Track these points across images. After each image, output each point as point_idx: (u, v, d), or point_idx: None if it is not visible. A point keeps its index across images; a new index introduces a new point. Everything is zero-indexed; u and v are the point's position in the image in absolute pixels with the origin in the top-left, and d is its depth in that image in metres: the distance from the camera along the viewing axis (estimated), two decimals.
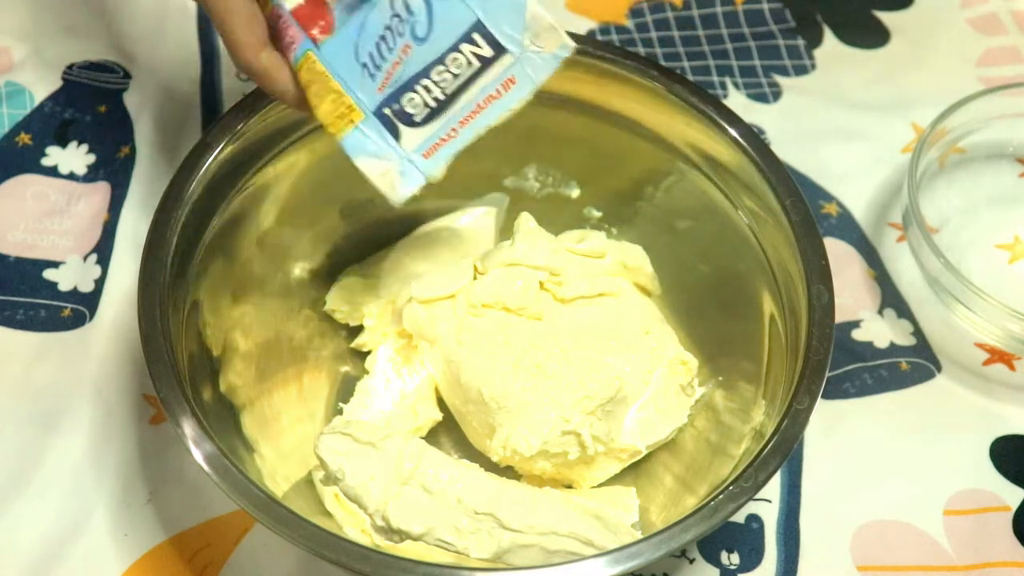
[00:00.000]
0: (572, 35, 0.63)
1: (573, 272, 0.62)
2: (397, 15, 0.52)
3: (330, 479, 0.55)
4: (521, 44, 0.52)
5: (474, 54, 0.52)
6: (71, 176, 0.75)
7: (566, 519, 0.54)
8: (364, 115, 0.52)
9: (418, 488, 0.54)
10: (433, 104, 0.52)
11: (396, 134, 0.53)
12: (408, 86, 0.52)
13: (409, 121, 0.53)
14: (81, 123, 0.77)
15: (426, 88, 0.52)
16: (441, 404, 0.64)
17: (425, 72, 0.52)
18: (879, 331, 0.71)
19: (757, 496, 0.51)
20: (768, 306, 0.60)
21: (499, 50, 0.52)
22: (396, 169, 0.52)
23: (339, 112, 0.53)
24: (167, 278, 0.56)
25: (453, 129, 0.53)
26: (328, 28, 0.52)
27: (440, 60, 0.52)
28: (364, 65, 0.52)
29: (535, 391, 0.58)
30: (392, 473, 0.54)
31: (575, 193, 0.69)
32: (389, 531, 0.54)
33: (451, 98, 0.52)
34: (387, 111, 0.52)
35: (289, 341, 0.66)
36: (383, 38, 0.52)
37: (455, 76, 0.52)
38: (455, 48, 0.52)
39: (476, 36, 0.52)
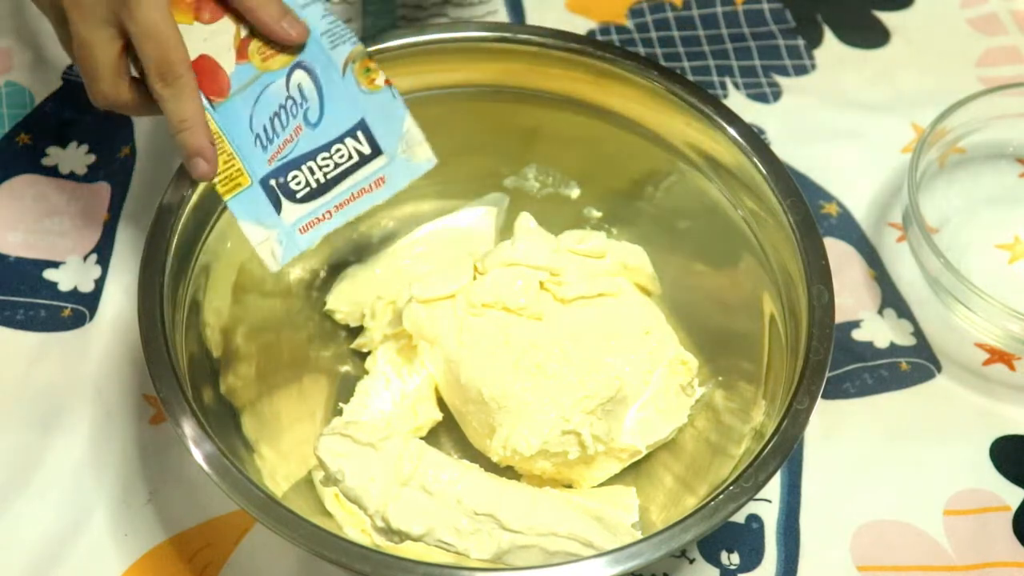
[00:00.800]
0: (572, 35, 0.63)
1: (573, 272, 0.62)
2: (291, 98, 0.57)
3: (330, 480, 0.55)
4: (395, 150, 0.57)
5: (356, 149, 0.57)
6: (71, 176, 0.75)
7: (566, 520, 0.54)
8: (251, 182, 0.56)
9: (418, 489, 0.54)
10: (314, 185, 0.57)
11: (278, 207, 0.56)
12: (295, 164, 0.56)
13: (291, 196, 0.56)
14: (81, 123, 0.77)
15: (310, 170, 0.57)
16: (441, 404, 0.64)
17: (312, 155, 0.57)
18: (879, 331, 0.71)
19: (757, 496, 0.51)
20: (768, 306, 0.60)
21: (376, 151, 0.57)
22: (276, 238, 0.56)
23: (229, 174, 0.56)
24: (167, 278, 0.56)
25: (328, 212, 0.57)
26: (223, 92, 0.56)
27: (326, 147, 0.57)
28: (257, 136, 0.56)
29: (535, 391, 0.58)
30: (392, 474, 0.54)
31: (575, 193, 0.69)
32: (389, 532, 0.54)
33: (330, 183, 0.57)
34: (272, 182, 0.56)
35: (289, 342, 0.66)
36: (277, 115, 0.57)
37: (336, 165, 0.57)
38: (340, 140, 0.57)
39: (359, 134, 0.57)
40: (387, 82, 0.57)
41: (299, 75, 0.57)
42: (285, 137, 0.56)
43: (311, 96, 0.57)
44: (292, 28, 0.56)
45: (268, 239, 0.56)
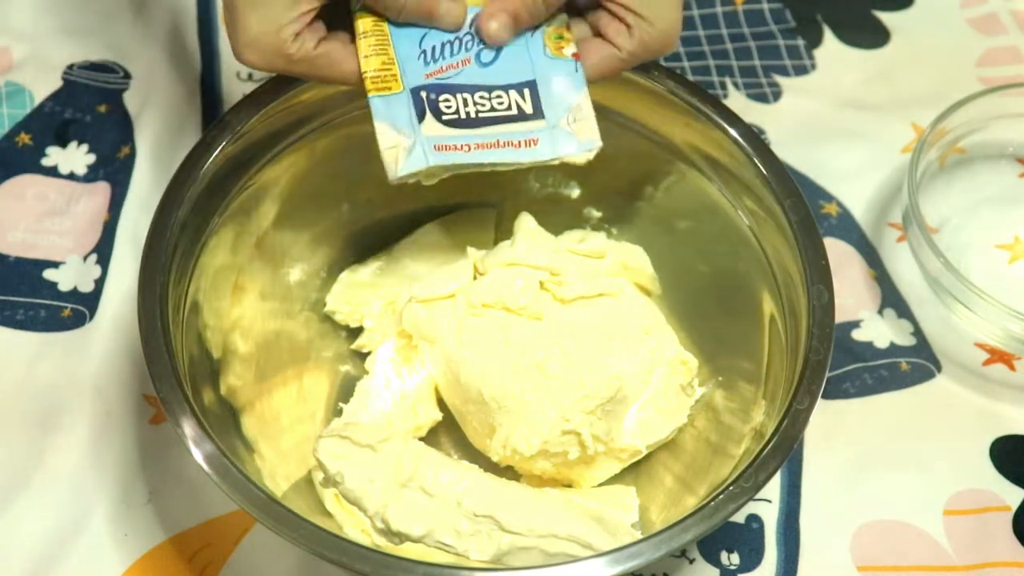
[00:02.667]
0: None
1: (573, 272, 0.62)
2: (471, 34, 0.55)
3: (329, 482, 0.55)
4: (558, 119, 0.54)
5: (517, 103, 0.54)
6: (71, 176, 0.75)
7: (566, 521, 0.54)
8: (402, 89, 0.54)
9: (417, 490, 0.54)
10: (463, 116, 0.54)
11: (421, 117, 0.54)
12: (452, 89, 0.54)
13: (437, 115, 0.54)
14: (81, 123, 0.77)
15: (465, 101, 0.54)
16: (441, 404, 0.64)
17: (471, 89, 0.54)
18: (879, 331, 0.71)
19: (757, 496, 0.51)
20: (768, 306, 0.60)
21: (537, 113, 0.55)
22: (406, 146, 0.53)
23: (382, 75, 0.54)
24: (167, 278, 0.56)
25: (467, 145, 0.54)
26: None
27: (488, 89, 0.54)
28: (423, 52, 0.54)
29: (535, 391, 0.58)
30: (391, 476, 0.54)
31: (575, 193, 0.69)
32: (389, 533, 0.54)
33: (480, 121, 0.54)
34: (423, 94, 0.54)
35: (289, 342, 0.66)
36: (450, 43, 0.55)
37: (493, 108, 0.54)
38: (505, 89, 0.55)
39: (526, 91, 0.55)
40: (575, 55, 0.55)
41: None
42: (450, 63, 0.54)
43: None
44: None
45: (398, 145, 0.54)
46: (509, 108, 0.54)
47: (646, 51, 0.55)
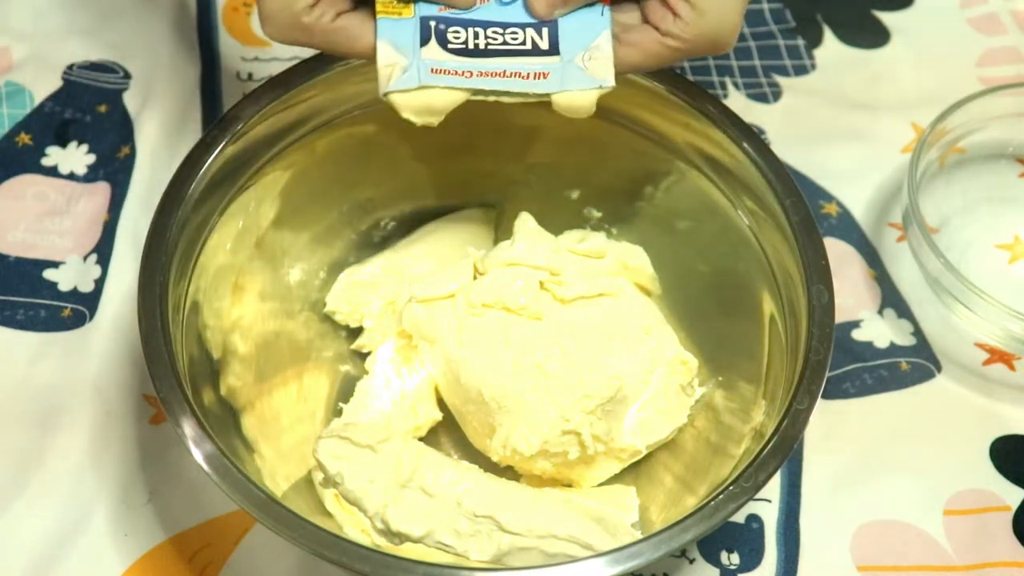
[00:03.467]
0: None
1: (573, 272, 0.62)
2: None
3: (329, 483, 0.55)
4: (573, 56, 0.53)
5: (533, 40, 0.53)
6: (71, 176, 0.75)
7: (565, 522, 0.54)
8: (412, 15, 0.53)
9: (417, 491, 0.54)
10: (471, 47, 0.53)
11: (424, 42, 0.53)
12: (464, 23, 0.53)
13: (443, 43, 0.53)
14: (81, 123, 0.77)
15: (475, 34, 0.53)
16: (441, 404, 0.64)
17: (485, 24, 0.53)
18: (879, 331, 0.71)
19: (757, 496, 0.51)
20: (768, 306, 0.60)
21: (553, 51, 0.53)
22: (401, 66, 0.53)
23: (395, 2, 0.53)
24: (167, 278, 0.56)
25: (469, 72, 0.53)
26: None
27: (503, 25, 0.53)
28: None
29: (535, 391, 0.58)
30: (391, 476, 0.54)
31: (575, 193, 0.69)
32: (389, 534, 0.54)
33: (488, 52, 0.53)
34: (432, 24, 0.53)
35: (289, 342, 0.66)
36: None
37: (504, 42, 0.53)
38: (522, 27, 0.53)
39: (544, 31, 0.53)
40: (606, 1, 0.53)
41: None
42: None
43: None
44: None
45: (394, 64, 0.53)
46: (523, 43, 0.53)
47: (695, 44, 0.52)
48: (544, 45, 0.53)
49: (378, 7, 0.53)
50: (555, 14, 0.53)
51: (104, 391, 0.67)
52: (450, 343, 0.60)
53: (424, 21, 0.53)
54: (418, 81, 0.52)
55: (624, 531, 0.57)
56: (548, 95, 0.53)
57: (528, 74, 0.53)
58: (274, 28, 0.53)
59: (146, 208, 0.72)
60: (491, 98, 0.53)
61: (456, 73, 0.53)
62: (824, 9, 0.86)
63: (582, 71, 0.53)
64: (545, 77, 0.53)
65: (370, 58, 0.53)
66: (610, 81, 0.53)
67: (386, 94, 0.53)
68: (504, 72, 0.53)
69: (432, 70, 0.53)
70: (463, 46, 0.53)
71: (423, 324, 0.61)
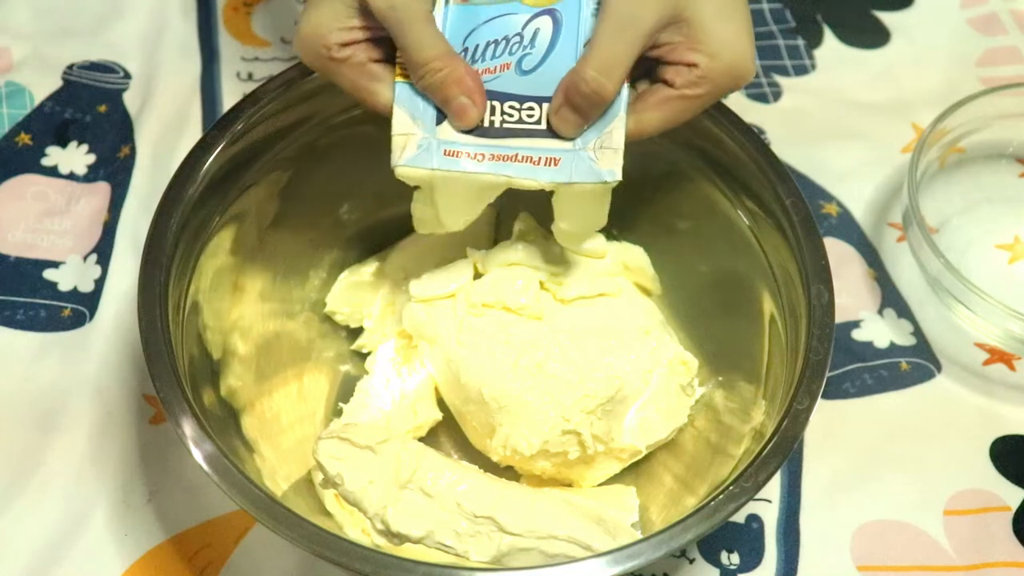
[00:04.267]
0: None
1: (573, 272, 0.62)
2: (520, 36, 0.53)
3: (329, 483, 0.55)
4: (586, 142, 0.53)
5: (548, 119, 0.53)
6: (71, 176, 0.75)
7: (565, 523, 0.54)
8: None
9: (417, 492, 0.54)
10: (487, 125, 0.53)
11: (441, 119, 0.53)
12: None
13: None
14: (81, 123, 0.77)
15: (492, 109, 0.53)
16: (441, 404, 0.64)
17: (503, 98, 0.53)
18: (879, 331, 0.71)
19: (757, 496, 0.51)
20: (768, 306, 0.60)
21: None
22: (417, 141, 0.53)
23: None
24: (167, 278, 0.56)
25: (481, 155, 0.53)
26: None
27: (521, 99, 0.53)
28: (465, 49, 0.53)
29: (535, 391, 0.58)
30: (391, 477, 0.54)
31: None
32: (389, 534, 0.54)
33: (503, 132, 0.53)
34: None
35: (289, 342, 0.66)
36: (496, 43, 0.53)
37: (520, 120, 0.53)
38: (539, 101, 0.53)
39: None
40: (627, 80, 0.52)
41: (542, 21, 0.53)
42: (488, 67, 0.53)
43: (539, 47, 0.53)
44: None
45: (410, 135, 0.52)
46: (538, 122, 0.53)
47: (718, 84, 0.52)
48: None
49: (398, 70, 0.53)
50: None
51: (104, 391, 0.67)
52: (450, 343, 0.60)
53: None
54: (431, 164, 0.52)
55: (624, 531, 0.57)
56: (556, 184, 0.53)
57: (539, 159, 0.53)
58: (303, 51, 0.53)
59: (146, 208, 0.72)
60: (502, 180, 0.53)
61: (468, 156, 0.52)
62: (824, 9, 0.87)
63: (592, 162, 0.52)
64: (556, 164, 0.52)
65: (384, 114, 0.53)
66: (618, 175, 0.52)
67: (396, 166, 0.53)
68: (516, 156, 0.52)
69: (446, 152, 0.52)
70: (479, 125, 0.53)
71: (423, 324, 0.61)
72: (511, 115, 0.53)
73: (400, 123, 0.53)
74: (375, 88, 0.53)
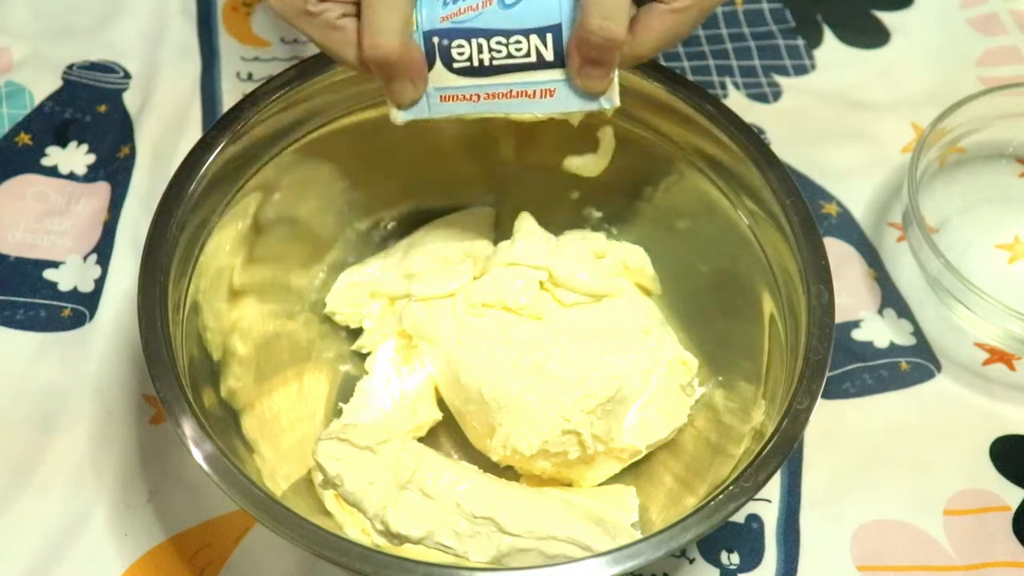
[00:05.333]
0: None
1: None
2: None
3: (328, 484, 0.55)
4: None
5: (537, 50, 0.52)
6: (71, 176, 0.75)
7: (565, 524, 0.54)
8: (415, 29, 0.52)
9: (417, 492, 0.54)
10: (476, 64, 0.53)
11: (431, 65, 0.53)
12: (467, 34, 0.52)
13: (448, 63, 0.53)
14: (81, 123, 0.77)
15: (479, 47, 0.52)
16: (441, 404, 0.64)
17: (488, 34, 0.52)
18: (879, 331, 0.71)
19: (757, 496, 0.51)
20: (768, 306, 0.60)
21: (558, 62, 0.52)
22: None
23: None
24: (167, 278, 0.56)
25: (476, 95, 0.53)
26: None
27: (507, 33, 0.52)
28: None
29: (535, 390, 0.58)
30: (391, 478, 0.54)
31: (575, 193, 0.69)
32: (389, 535, 0.54)
33: (493, 70, 0.53)
34: (435, 40, 0.52)
35: (289, 342, 0.66)
36: None
37: (509, 55, 0.52)
38: (526, 33, 0.52)
39: (549, 37, 0.52)
40: None
41: None
42: (470, 4, 0.52)
43: None
44: None
45: None
46: (528, 55, 0.52)
47: None
48: (549, 56, 0.52)
49: None
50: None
51: (104, 391, 0.67)
52: (450, 343, 0.60)
53: (427, 38, 0.52)
54: (428, 112, 0.53)
55: (624, 531, 0.57)
56: (554, 114, 0.53)
57: (534, 92, 0.53)
58: (279, 4, 0.53)
59: (146, 208, 0.72)
60: (500, 115, 0.53)
61: (464, 98, 0.53)
62: (824, 9, 0.86)
63: (587, 89, 0.53)
64: (551, 95, 0.53)
65: (355, 68, 0.53)
66: (616, 100, 0.53)
67: (396, 122, 0.53)
68: (511, 92, 0.53)
69: (441, 97, 0.53)
70: (468, 64, 0.53)
71: (423, 324, 0.61)
72: (499, 51, 0.52)
73: None
74: (345, 45, 0.52)
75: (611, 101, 0.53)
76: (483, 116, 0.54)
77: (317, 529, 0.49)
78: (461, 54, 0.52)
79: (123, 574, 0.61)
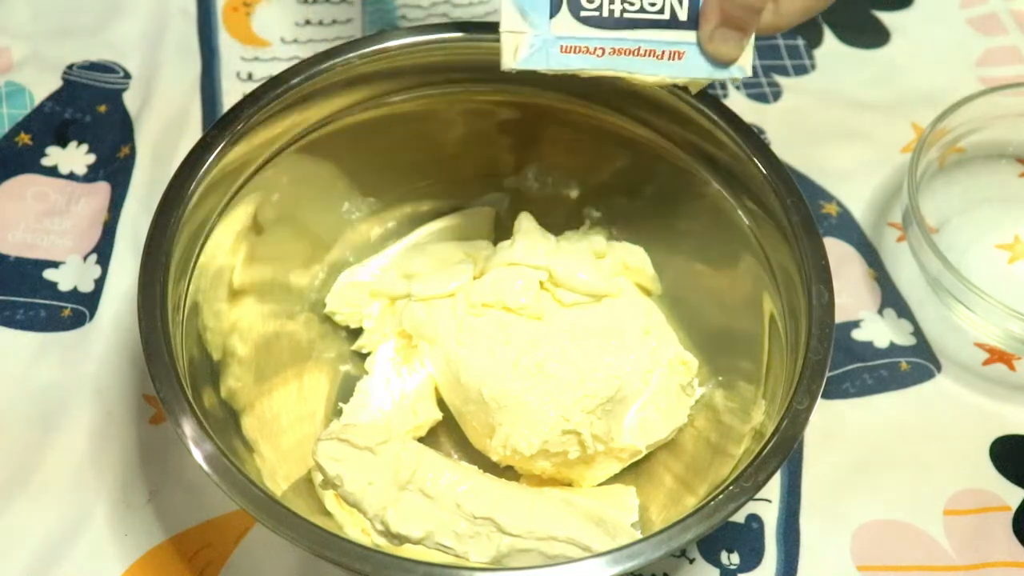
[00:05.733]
0: None
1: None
2: None
3: (328, 485, 0.55)
4: None
5: (673, 7, 0.50)
6: (71, 176, 0.75)
7: (565, 524, 0.54)
8: None
9: (416, 493, 0.54)
10: (606, 14, 0.50)
11: (556, 10, 0.50)
12: None
13: (575, 10, 0.50)
14: (81, 123, 0.77)
15: None
16: (441, 404, 0.64)
17: None
18: (879, 331, 0.71)
19: (757, 496, 0.51)
20: (768, 306, 0.60)
21: (692, 23, 0.50)
22: (528, 39, 0.50)
23: None
24: (167, 278, 0.56)
25: (601, 49, 0.50)
26: None
27: None
28: None
29: (535, 390, 0.58)
30: (390, 478, 0.54)
31: (575, 193, 0.69)
32: (389, 535, 0.54)
33: (624, 23, 0.50)
34: None
35: (289, 342, 0.66)
36: None
37: (642, 9, 0.50)
38: None
39: None
40: None
41: None
42: None
43: None
44: None
45: (521, 33, 0.49)
46: (661, 11, 0.49)
47: None
48: (683, 15, 0.50)
49: None
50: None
51: (104, 391, 0.67)
52: (450, 343, 0.60)
53: None
54: (547, 63, 0.50)
55: (624, 531, 0.57)
56: (679, 80, 0.50)
57: (663, 52, 0.50)
58: None
59: (146, 208, 0.72)
60: (622, 74, 0.50)
61: (587, 51, 0.50)
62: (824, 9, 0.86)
63: (719, 56, 0.50)
64: (680, 57, 0.50)
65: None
66: (748, 70, 0.51)
67: (511, 68, 0.50)
68: (638, 50, 0.50)
69: (562, 48, 0.49)
70: (597, 13, 0.49)
71: (423, 324, 0.61)
72: (633, 4, 0.50)
73: (510, 20, 0.49)
74: None
75: (743, 70, 0.50)
76: (603, 74, 0.50)
77: (317, 529, 0.49)
78: (591, 2, 0.49)
79: (123, 574, 0.61)
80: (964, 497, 0.65)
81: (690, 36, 0.50)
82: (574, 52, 0.49)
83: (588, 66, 0.50)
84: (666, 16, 0.50)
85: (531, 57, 0.49)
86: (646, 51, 0.50)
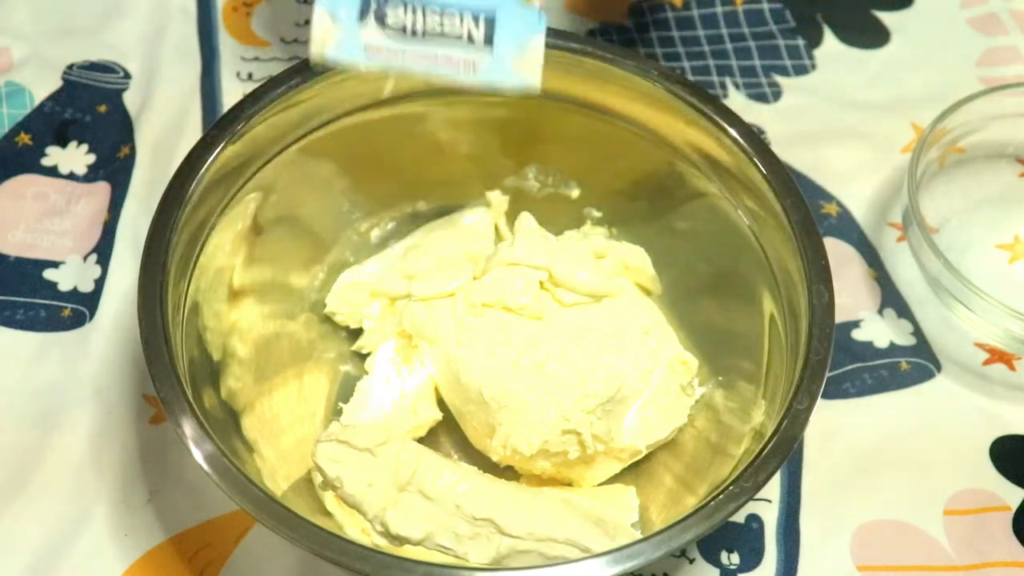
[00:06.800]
0: (572, 35, 0.63)
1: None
2: None
3: (328, 486, 0.55)
4: (506, 53, 0.54)
5: (469, 30, 0.54)
6: (71, 176, 0.75)
7: (565, 526, 0.54)
8: None
9: (416, 494, 0.54)
10: (408, 27, 0.54)
11: (363, 18, 0.54)
12: (403, 1, 0.54)
13: (381, 20, 0.54)
14: (81, 123, 0.77)
15: (414, 13, 0.54)
16: (441, 404, 0.64)
17: (425, 3, 0.54)
18: (879, 331, 0.71)
19: (757, 496, 0.51)
20: (768, 306, 0.60)
21: (487, 43, 0.54)
22: (337, 38, 0.54)
23: None
24: (167, 278, 0.56)
25: (404, 53, 0.54)
26: None
27: (442, 6, 0.54)
28: None
29: (535, 390, 0.58)
30: (390, 479, 0.54)
31: (575, 193, 0.69)
32: (389, 536, 0.54)
33: (424, 37, 0.54)
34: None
35: (289, 343, 0.66)
36: None
37: (441, 27, 0.54)
38: (461, 12, 0.54)
39: (482, 20, 0.54)
40: (541, 4, 0.54)
41: None
42: None
43: None
44: None
45: (330, 33, 0.54)
46: (459, 36, 0.54)
47: None
48: (479, 37, 0.54)
49: None
50: None
51: (104, 391, 0.67)
52: (450, 343, 0.60)
53: None
54: (352, 59, 0.54)
55: (624, 531, 0.57)
56: (473, 85, 0.54)
57: (459, 62, 0.54)
58: None
59: (146, 208, 0.72)
60: (420, 74, 0.54)
61: (392, 53, 0.54)
62: (824, 9, 0.86)
63: (510, 69, 0.54)
64: (473, 68, 0.54)
65: None
66: (535, 84, 0.54)
67: (322, 60, 0.54)
68: (436, 57, 0.54)
69: (367, 48, 0.54)
70: (400, 28, 0.54)
71: (423, 324, 0.61)
72: (433, 22, 0.54)
73: (320, 22, 0.54)
74: None
75: (532, 82, 0.54)
76: (408, 74, 0.54)
77: (317, 529, 0.49)
78: (396, 17, 0.53)
79: (123, 574, 0.61)
80: (964, 497, 0.65)
81: (484, 54, 0.54)
82: (379, 53, 0.54)
83: (395, 65, 0.54)
84: (463, 37, 0.54)
85: (339, 53, 0.54)
86: (445, 59, 0.54)
